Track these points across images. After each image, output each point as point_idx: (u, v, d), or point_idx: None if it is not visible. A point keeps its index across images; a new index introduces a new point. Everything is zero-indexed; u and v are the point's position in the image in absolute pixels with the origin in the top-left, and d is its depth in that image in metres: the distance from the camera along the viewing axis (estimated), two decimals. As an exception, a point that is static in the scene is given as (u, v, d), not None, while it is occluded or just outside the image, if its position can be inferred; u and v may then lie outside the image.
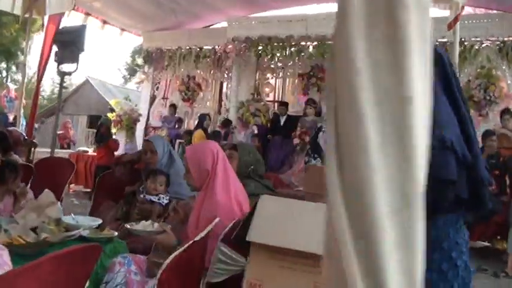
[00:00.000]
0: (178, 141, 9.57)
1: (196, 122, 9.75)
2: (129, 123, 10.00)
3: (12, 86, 13.47)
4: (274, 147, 7.86)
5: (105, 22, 10.00)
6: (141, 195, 3.25)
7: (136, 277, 2.33)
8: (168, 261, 1.92)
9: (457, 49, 5.08)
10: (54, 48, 5.70)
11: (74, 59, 5.45)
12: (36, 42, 26.27)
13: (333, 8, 9.05)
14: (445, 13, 5.48)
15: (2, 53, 25.99)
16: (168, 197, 3.28)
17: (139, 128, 10.58)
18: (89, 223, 2.78)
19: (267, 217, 1.96)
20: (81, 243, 2.41)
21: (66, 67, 5.56)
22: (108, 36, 9.61)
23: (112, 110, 16.45)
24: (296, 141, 7.83)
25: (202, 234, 2.08)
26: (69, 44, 5.42)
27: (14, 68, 30.10)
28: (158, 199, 3.24)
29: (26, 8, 7.51)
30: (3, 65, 28.72)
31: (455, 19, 4.86)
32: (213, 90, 10.63)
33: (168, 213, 3.06)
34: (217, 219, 2.19)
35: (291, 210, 2.02)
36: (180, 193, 3.42)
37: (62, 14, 8.05)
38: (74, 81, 31.98)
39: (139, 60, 11.13)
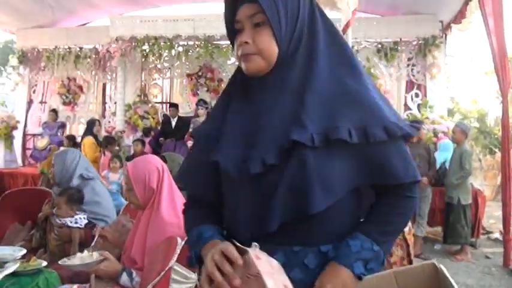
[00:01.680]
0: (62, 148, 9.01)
1: (81, 127, 9.24)
2: (7, 131, 9.19)
3: None
4: (168, 150, 7.67)
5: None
6: (57, 220, 3.02)
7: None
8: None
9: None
10: None
11: None
12: None
13: (218, 8, 9.16)
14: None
15: None
16: (85, 217, 3.09)
17: (17, 135, 9.79)
18: (12, 254, 2.50)
19: None
20: (11, 279, 2.25)
21: None
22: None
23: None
24: (190, 143, 7.72)
25: (170, 264, 2.03)
26: None
27: None
28: (75, 222, 3.03)
29: None
30: None
31: (347, 24, 5.09)
32: (95, 93, 10.19)
33: (96, 240, 2.83)
34: (182, 242, 2.10)
35: None
36: (98, 213, 3.28)
37: None
38: None
39: (14, 61, 10.19)
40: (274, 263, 1.12)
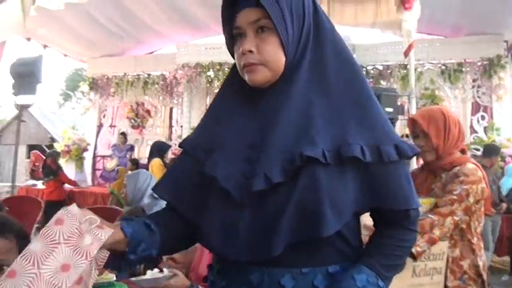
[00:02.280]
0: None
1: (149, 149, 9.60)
2: (78, 153, 9.70)
3: None
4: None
5: (46, 46, 9.70)
6: None
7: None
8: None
9: (413, 72, 5.38)
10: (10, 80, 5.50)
11: (32, 90, 5.29)
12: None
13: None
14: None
15: None
16: None
17: (88, 157, 10.31)
18: None
19: None
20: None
21: (23, 99, 5.38)
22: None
23: (52, 139, 15.92)
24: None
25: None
26: (25, 75, 5.25)
27: None
28: None
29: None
30: None
31: (410, 46, 5.16)
32: (162, 117, 10.56)
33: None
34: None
35: None
36: None
37: (4, 42, 7.81)
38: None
39: (85, 88, 10.79)
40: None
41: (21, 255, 0.92)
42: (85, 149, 10.00)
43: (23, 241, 1.67)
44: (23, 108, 5.65)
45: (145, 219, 1.17)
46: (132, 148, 9.95)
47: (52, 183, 8.01)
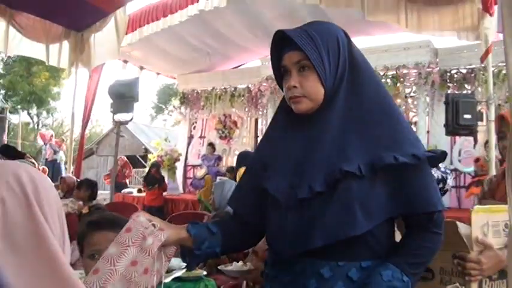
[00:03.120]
0: (218, 178, 9.89)
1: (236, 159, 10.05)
2: (170, 163, 10.38)
3: (47, 132, 13.82)
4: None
5: (142, 68, 10.52)
6: None
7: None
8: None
9: (491, 78, 5.31)
10: (108, 99, 6.14)
11: (129, 109, 5.88)
12: (65, 88, 27.61)
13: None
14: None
15: (34, 101, 27.13)
16: None
17: (179, 167, 10.98)
18: (179, 264, 3.08)
19: None
20: (177, 283, 2.72)
21: (121, 116, 6.00)
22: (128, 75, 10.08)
23: (146, 150, 16.97)
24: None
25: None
26: (123, 96, 5.85)
27: (44, 113, 31.34)
28: None
29: (73, 62, 8.03)
30: (35, 111, 29.98)
31: (487, 51, 5.13)
32: (248, 127, 10.99)
33: (249, 255, 3.30)
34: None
35: None
36: None
37: (103, 65, 8.60)
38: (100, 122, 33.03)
39: (176, 102, 11.52)
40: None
41: (102, 257, 1.23)
42: (177, 159, 10.64)
43: None
44: (120, 124, 6.27)
45: (208, 224, 1.47)
46: (220, 158, 10.44)
47: (156, 191, 8.80)
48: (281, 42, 1.40)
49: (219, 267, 2.87)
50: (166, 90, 31.18)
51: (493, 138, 4.33)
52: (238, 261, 2.87)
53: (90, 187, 4.85)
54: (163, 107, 35.96)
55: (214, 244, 1.41)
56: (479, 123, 5.36)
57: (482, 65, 7.75)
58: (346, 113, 1.36)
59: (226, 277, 2.99)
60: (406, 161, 1.29)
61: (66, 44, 7.80)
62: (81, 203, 4.52)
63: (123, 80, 6.06)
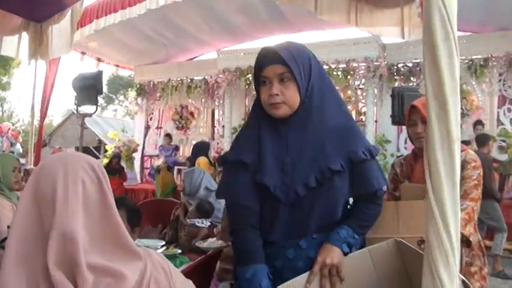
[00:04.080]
0: (176, 168, 10.15)
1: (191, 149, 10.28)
2: (128, 153, 10.52)
3: (4, 124, 13.53)
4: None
5: (99, 60, 10.55)
6: (188, 220, 3.86)
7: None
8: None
9: None
10: (60, 91, 6.26)
11: (93, 101, 6.04)
12: (15, 78, 26.78)
13: (316, 37, 9.87)
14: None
15: (-19, 91, 26.21)
16: (209, 221, 3.91)
17: (137, 157, 11.13)
18: (154, 244, 3.39)
19: None
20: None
21: (85, 109, 6.15)
22: (85, 68, 10.09)
23: (100, 141, 16.86)
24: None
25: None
26: (87, 88, 5.99)
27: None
28: (202, 223, 3.86)
29: (32, 53, 8.03)
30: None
31: None
32: (205, 118, 11.22)
33: (217, 235, 3.64)
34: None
35: None
36: (218, 217, 4.03)
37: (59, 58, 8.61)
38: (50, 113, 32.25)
39: (133, 93, 11.63)
40: None
41: None
42: (135, 150, 10.81)
43: (131, 213, 2.38)
44: (85, 116, 6.42)
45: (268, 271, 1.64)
46: (177, 148, 10.64)
47: (117, 181, 8.98)
48: (263, 57, 1.68)
49: (196, 244, 3.25)
50: (117, 79, 30.80)
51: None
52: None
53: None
54: (114, 97, 35.53)
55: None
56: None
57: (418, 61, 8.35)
58: (320, 117, 1.66)
59: (198, 255, 3.31)
60: (370, 156, 1.67)
61: (24, 36, 7.77)
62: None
63: (86, 72, 6.18)
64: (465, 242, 2.01)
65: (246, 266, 1.62)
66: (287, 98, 1.61)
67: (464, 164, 2.17)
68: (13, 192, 3.19)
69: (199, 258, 3.23)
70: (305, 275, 1.56)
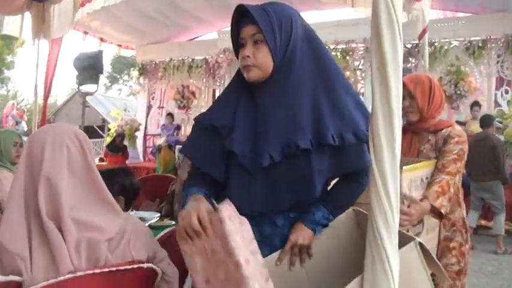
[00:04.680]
0: (178, 146, 10.31)
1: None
2: (131, 132, 10.69)
3: (8, 103, 13.75)
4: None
5: (102, 40, 10.64)
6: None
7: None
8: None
9: (427, 54, 5.84)
10: (64, 70, 6.41)
11: (94, 80, 6.19)
12: (19, 57, 26.92)
13: (322, 17, 9.94)
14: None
15: (-15, 70, 26.33)
16: None
17: (139, 136, 11.30)
18: (150, 215, 3.56)
19: None
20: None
21: (87, 88, 6.31)
22: (87, 47, 10.15)
23: (103, 120, 17.06)
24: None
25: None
26: (88, 68, 6.14)
27: (-1, 83, 30.41)
28: None
29: (36, 32, 8.13)
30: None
31: (424, 31, 5.68)
32: (206, 97, 11.30)
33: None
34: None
35: None
36: None
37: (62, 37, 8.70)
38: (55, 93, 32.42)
39: (135, 73, 11.76)
40: (245, 225, 1.33)
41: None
42: (137, 129, 10.98)
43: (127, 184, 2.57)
44: (86, 95, 6.58)
45: (205, 191, 1.55)
46: (179, 127, 10.77)
47: (119, 158, 9.20)
48: (240, 17, 1.53)
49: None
50: (121, 59, 30.89)
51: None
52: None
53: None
54: (118, 76, 35.64)
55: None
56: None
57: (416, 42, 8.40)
58: (295, 85, 1.51)
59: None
60: (357, 140, 1.51)
61: (27, 15, 7.85)
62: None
63: (87, 52, 6.32)
64: (437, 214, 2.04)
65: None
66: (258, 61, 1.49)
67: (447, 139, 2.23)
68: (14, 165, 3.36)
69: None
70: (276, 254, 1.59)
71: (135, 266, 1.27)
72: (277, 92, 1.52)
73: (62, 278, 1.14)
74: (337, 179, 1.69)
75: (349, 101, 1.55)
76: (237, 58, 1.59)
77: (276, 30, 1.47)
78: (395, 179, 1.12)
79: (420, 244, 1.36)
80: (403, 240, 1.25)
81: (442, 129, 2.29)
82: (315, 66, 1.54)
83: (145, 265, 1.30)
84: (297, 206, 1.59)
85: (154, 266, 1.33)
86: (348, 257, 1.64)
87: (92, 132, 18.72)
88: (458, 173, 2.17)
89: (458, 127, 2.31)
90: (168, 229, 3.14)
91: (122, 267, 1.24)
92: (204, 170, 1.59)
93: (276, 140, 1.49)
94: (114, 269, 1.22)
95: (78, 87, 6.34)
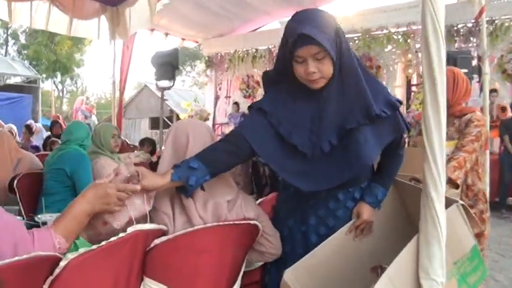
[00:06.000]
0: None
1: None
2: (200, 122, 11.25)
3: (79, 98, 14.35)
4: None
5: (167, 34, 11.21)
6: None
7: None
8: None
9: (485, 34, 5.92)
10: (152, 68, 6.99)
11: (171, 76, 6.73)
12: (87, 55, 28.33)
13: (373, 3, 9.99)
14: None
15: (59, 69, 28.00)
16: None
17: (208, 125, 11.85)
18: None
19: None
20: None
21: (164, 83, 6.87)
22: (154, 42, 10.65)
23: (171, 111, 17.76)
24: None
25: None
26: (165, 64, 6.68)
27: (68, 80, 32.22)
28: None
29: (112, 34, 8.80)
30: (59, 79, 30.85)
31: (481, 11, 5.75)
32: (275, 86, 11.63)
33: None
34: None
35: None
36: None
37: (135, 34, 9.32)
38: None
39: (202, 66, 12.34)
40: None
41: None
42: (207, 119, 11.55)
43: None
44: (164, 90, 7.14)
45: (189, 161, 1.65)
46: (244, 115, 11.13)
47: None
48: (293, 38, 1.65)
49: None
50: (184, 50, 31.65)
51: (487, 88, 5.00)
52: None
53: (151, 144, 5.91)
54: (181, 68, 36.59)
55: (201, 175, 1.65)
56: (475, 76, 6.16)
57: (487, 19, 8.35)
58: (344, 83, 1.72)
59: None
60: (391, 112, 1.75)
61: (103, 19, 8.50)
62: (148, 155, 5.51)
63: (164, 50, 6.86)
64: (454, 184, 2.38)
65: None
66: (325, 72, 1.66)
67: (468, 123, 2.58)
68: (114, 153, 3.82)
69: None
70: (346, 227, 1.87)
71: (245, 222, 1.72)
72: (336, 85, 1.72)
73: (194, 228, 1.62)
74: (380, 159, 1.95)
75: (374, 81, 1.80)
76: (277, 66, 1.81)
77: (332, 42, 1.63)
78: (442, 155, 1.46)
79: (462, 205, 1.63)
80: (448, 203, 1.55)
81: (466, 114, 2.63)
82: (353, 64, 1.74)
83: (252, 222, 1.74)
84: (354, 180, 1.87)
85: (257, 223, 1.76)
86: (391, 223, 1.98)
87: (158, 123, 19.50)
88: (475, 151, 2.50)
89: (479, 113, 2.63)
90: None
91: (237, 222, 1.70)
92: (246, 135, 1.73)
93: (332, 128, 1.73)
94: (231, 222, 1.67)
95: (156, 83, 6.90)
